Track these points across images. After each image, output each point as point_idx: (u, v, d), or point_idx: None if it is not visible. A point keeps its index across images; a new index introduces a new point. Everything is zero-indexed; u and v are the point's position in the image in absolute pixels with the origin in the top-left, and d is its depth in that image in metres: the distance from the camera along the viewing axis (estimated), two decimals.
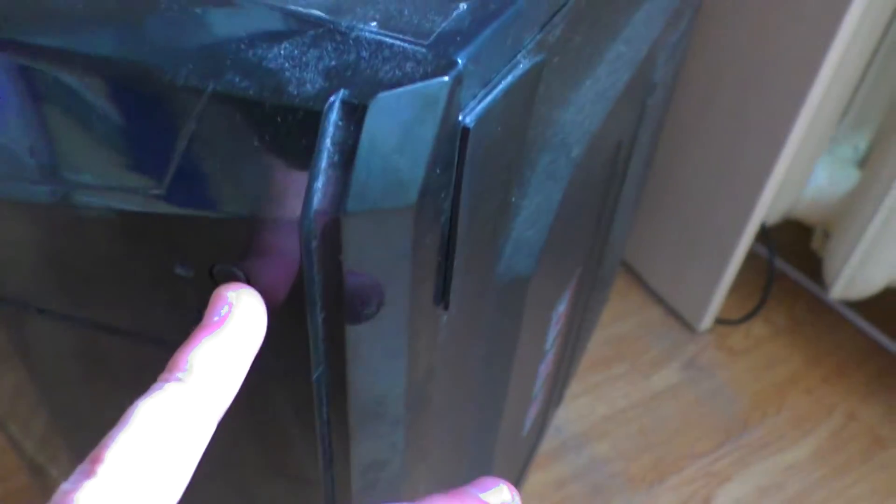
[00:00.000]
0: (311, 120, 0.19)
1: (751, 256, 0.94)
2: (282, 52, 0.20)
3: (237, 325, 0.21)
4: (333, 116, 0.19)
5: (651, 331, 0.96)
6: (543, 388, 0.58)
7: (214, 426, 0.19)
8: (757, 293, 0.98)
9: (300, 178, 0.19)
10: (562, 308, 0.50)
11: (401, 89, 0.19)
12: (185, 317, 0.23)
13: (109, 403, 0.19)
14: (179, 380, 0.19)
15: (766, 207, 0.82)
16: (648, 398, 0.88)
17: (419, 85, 0.19)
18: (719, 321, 0.96)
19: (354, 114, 0.19)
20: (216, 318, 0.20)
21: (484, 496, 0.21)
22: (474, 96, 0.22)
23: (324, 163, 0.19)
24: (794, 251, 1.02)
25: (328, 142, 0.19)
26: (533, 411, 0.58)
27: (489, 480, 0.22)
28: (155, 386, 0.19)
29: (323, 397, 0.25)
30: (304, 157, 0.19)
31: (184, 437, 0.18)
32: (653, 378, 0.90)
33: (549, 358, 0.54)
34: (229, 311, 0.21)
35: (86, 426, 0.34)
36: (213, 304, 0.21)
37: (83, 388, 0.32)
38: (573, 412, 0.85)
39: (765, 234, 0.90)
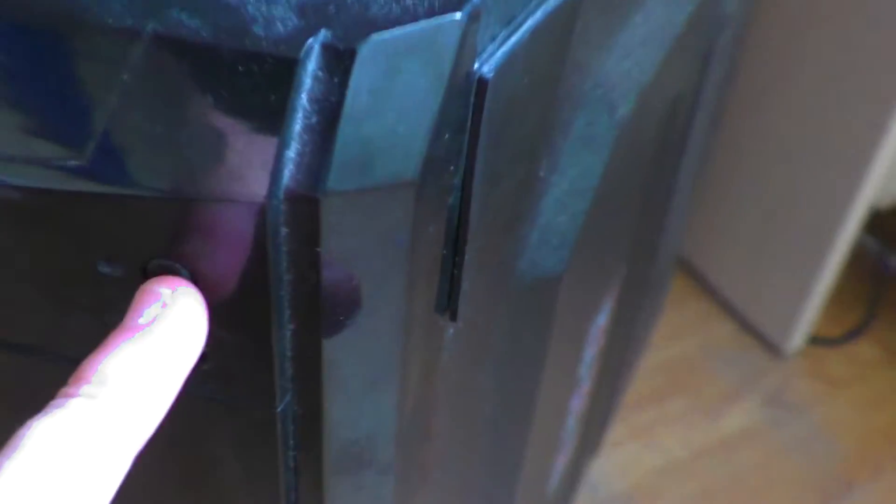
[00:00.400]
0: (283, 70, 0.20)
1: (856, 253, 0.94)
2: None
3: (168, 330, 0.21)
4: (312, 66, 0.20)
5: (720, 354, 0.96)
6: (576, 429, 0.59)
7: (130, 459, 0.20)
8: (864, 303, 0.99)
9: (267, 145, 0.20)
10: (601, 321, 0.51)
11: (399, 30, 0.20)
12: (110, 329, 0.23)
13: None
14: (86, 395, 0.19)
15: (877, 187, 0.83)
16: (716, 445, 0.88)
17: (423, 24, 0.20)
18: (813, 340, 0.97)
19: (339, 62, 0.20)
20: (141, 320, 0.21)
21: None
22: (493, 38, 0.23)
23: (298, 126, 0.20)
24: None
25: (304, 98, 0.20)
26: (561, 460, 0.59)
27: None
28: (54, 402, 0.19)
29: (290, 436, 0.26)
30: (273, 119, 0.20)
31: (90, 472, 0.19)
32: (723, 418, 0.91)
33: (584, 389, 0.55)
34: (159, 312, 0.21)
35: None
36: (139, 302, 0.22)
37: None
38: (614, 463, 0.86)
39: (875, 222, 0.90)
